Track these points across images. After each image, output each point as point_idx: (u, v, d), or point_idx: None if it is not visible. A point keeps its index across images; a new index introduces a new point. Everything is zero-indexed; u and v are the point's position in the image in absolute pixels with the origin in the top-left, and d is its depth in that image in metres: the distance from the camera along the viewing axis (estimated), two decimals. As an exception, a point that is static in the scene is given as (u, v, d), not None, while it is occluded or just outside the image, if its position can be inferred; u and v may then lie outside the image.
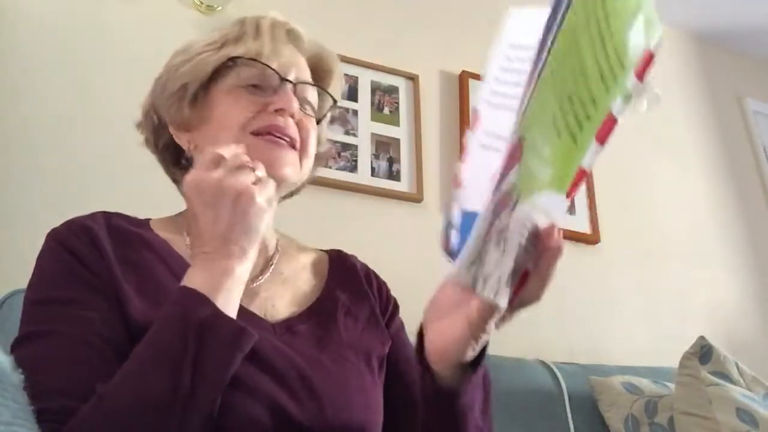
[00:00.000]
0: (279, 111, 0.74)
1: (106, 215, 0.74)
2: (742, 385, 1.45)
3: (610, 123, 0.49)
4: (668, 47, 2.58)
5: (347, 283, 0.83)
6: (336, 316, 0.77)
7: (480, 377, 0.64)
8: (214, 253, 0.61)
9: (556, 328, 1.80)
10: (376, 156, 1.83)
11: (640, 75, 0.48)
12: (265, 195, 0.63)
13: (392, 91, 1.94)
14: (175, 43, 0.83)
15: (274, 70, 0.77)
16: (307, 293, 0.79)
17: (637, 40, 0.47)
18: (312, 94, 0.82)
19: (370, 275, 0.87)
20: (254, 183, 0.63)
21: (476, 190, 0.55)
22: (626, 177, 2.18)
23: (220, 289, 0.59)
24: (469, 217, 0.55)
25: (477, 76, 2.00)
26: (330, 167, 1.72)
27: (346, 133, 1.81)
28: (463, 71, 2.02)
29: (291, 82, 0.77)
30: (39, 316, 0.64)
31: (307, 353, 0.69)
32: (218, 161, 0.63)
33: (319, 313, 0.76)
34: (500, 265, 0.50)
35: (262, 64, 0.76)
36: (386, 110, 1.91)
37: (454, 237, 0.56)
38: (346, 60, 1.79)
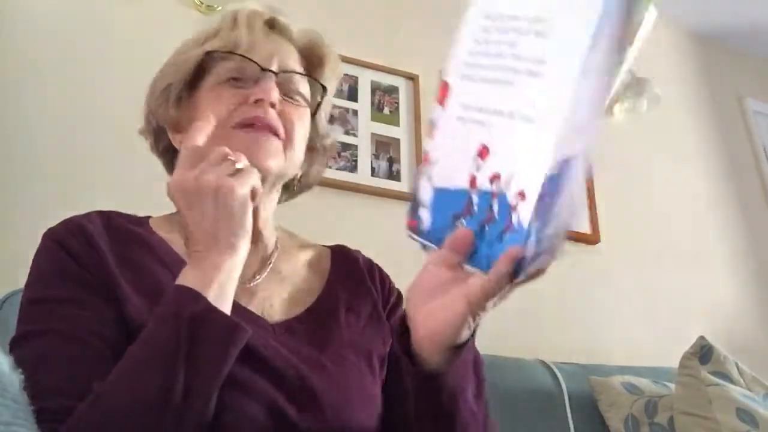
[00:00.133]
0: (258, 101, 0.73)
1: (103, 214, 0.74)
2: (742, 385, 1.45)
3: None
4: (669, 47, 2.58)
5: (349, 279, 0.81)
6: (337, 315, 0.76)
7: (470, 360, 0.62)
8: (205, 251, 0.61)
9: (556, 328, 1.81)
10: (376, 156, 1.83)
11: None
12: (246, 185, 0.63)
13: (392, 91, 1.94)
14: (175, 43, 0.83)
15: (251, 60, 0.75)
16: (307, 292, 0.78)
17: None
18: (302, 83, 0.80)
19: (373, 269, 0.85)
20: (233, 174, 0.62)
21: (452, 165, 0.53)
22: (626, 177, 2.18)
23: (211, 285, 0.59)
24: (442, 195, 0.54)
25: (477, 76, 2.00)
26: (330, 167, 1.72)
27: (346, 133, 1.81)
28: (463, 71, 2.02)
29: (272, 71, 0.76)
30: (35, 316, 0.64)
31: (307, 354, 0.69)
32: (196, 159, 0.63)
33: (319, 312, 0.75)
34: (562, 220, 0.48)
35: (239, 55, 0.75)
36: (386, 110, 1.91)
37: (425, 216, 0.54)
38: (346, 60, 1.79)
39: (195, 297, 0.58)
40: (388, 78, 1.95)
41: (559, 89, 0.48)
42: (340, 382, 0.68)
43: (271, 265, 0.78)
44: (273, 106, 0.73)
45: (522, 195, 0.48)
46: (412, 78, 1.97)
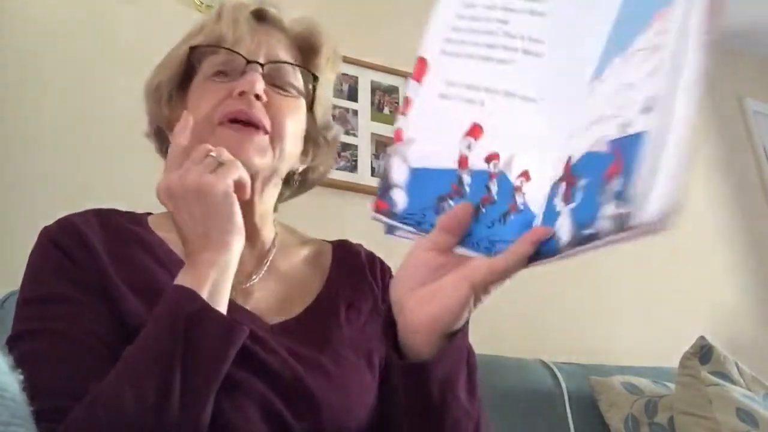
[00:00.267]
0: (242, 94, 0.70)
1: (99, 212, 0.73)
2: (742, 385, 1.45)
3: None
4: (668, 47, 2.58)
5: (351, 275, 0.79)
6: (337, 313, 0.74)
7: (464, 348, 0.57)
8: (198, 250, 0.61)
9: (556, 328, 1.81)
10: (376, 156, 1.83)
11: None
12: (226, 179, 0.62)
13: (392, 91, 1.95)
14: (174, 44, 0.83)
15: (234, 51, 0.73)
16: (306, 290, 0.76)
17: None
18: (293, 74, 0.77)
19: (374, 262, 0.82)
20: (214, 170, 0.62)
21: (434, 144, 0.51)
22: (626, 177, 2.17)
23: (205, 282, 0.59)
24: (422, 175, 0.51)
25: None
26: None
27: (346, 133, 1.81)
28: (463, 71, 2.02)
29: (257, 63, 0.73)
30: (31, 314, 0.64)
31: (305, 354, 0.67)
32: (181, 159, 0.63)
33: (318, 310, 0.74)
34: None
35: (224, 48, 0.73)
36: (386, 110, 1.91)
37: (399, 197, 0.51)
38: (346, 60, 1.79)
39: (190, 296, 0.58)
40: (388, 78, 1.95)
41: (568, 71, 0.46)
42: (339, 383, 0.67)
43: (268, 264, 0.76)
44: (259, 98, 0.71)
45: (526, 175, 0.47)
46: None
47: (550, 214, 0.45)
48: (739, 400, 1.38)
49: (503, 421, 1.35)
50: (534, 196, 0.47)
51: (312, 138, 0.82)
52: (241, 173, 0.64)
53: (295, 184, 0.83)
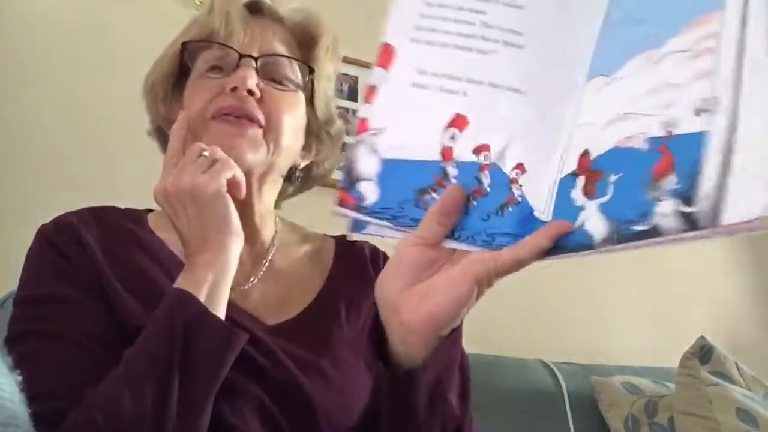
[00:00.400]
0: (234, 90, 0.68)
1: (96, 210, 0.72)
2: (742, 385, 1.45)
3: None
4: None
5: (353, 272, 0.77)
6: (337, 312, 0.72)
7: (453, 351, 0.54)
8: (196, 253, 0.61)
9: (556, 328, 1.80)
10: (376, 156, 1.83)
11: None
12: (218, 178, 0.61)
13: (392, 91, 1.95)
14: (174, 43, 0.83)
15: (226, 45, 0.71)
16: (306, 289, 0.74)
17: None
18: (290, 67, 0.75)
19: (377, 256, 0.80)
20: (207, 170, 0.61)
21: (409, 135, 0.49)
22: (626, 177, 2.18)
23: (203, 285, 0.58)
24: (396, 167, 0.49)
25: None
26: (330, 167, 1.72)
27: (346, 133, 1.81)
28: (463, 71, 2.02)
29: (251, 56, 0.71)
30: (27, 315, 0.64)
31: (303, 357, 0.66)
32: (175, 160, 0.63)
33: (318, 310, 0.72)
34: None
35: (215, 43, 0.72)
36: (386, 110, 1.92)
37: (369, 190, 0.49)
38: (346, 60, 1.78)
39: (188, 300, 0.57)
40: (388, 78, 1.95)
41: (550, 64, 0.46)
42: (338, 387, 0.66)
43: (267, 263, 0.75)
44: (252, 93, 0.69)
45: (521, 167, 0.46)
46: (412, 78, 1.97)
47: (567, 208, 0.44)
48: (739, 400, 1.38)
49: (503, 421, 1.35)
50: (531, 189, 0.46)
51: (314, 132, 0.79)
52: (235, 171, 0.63)
53: (297, 180, 0.81)
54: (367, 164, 0.49)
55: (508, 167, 0.47)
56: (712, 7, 0.41)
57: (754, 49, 0.39)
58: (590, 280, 1.93)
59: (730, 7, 0.40)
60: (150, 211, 0.77)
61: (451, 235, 0.48)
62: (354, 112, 1.86)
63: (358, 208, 0.49)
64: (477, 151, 0.47)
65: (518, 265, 0.45)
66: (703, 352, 1.46)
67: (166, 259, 0.70)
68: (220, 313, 0.60)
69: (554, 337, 1.78)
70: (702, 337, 1.50)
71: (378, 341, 0.52)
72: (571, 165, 0.45)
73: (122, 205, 0.78)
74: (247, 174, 0.67)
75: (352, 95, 1.88)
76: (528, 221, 0.46)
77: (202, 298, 0.58)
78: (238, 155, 0.66)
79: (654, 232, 0.40)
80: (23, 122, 1.44)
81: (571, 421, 1.46)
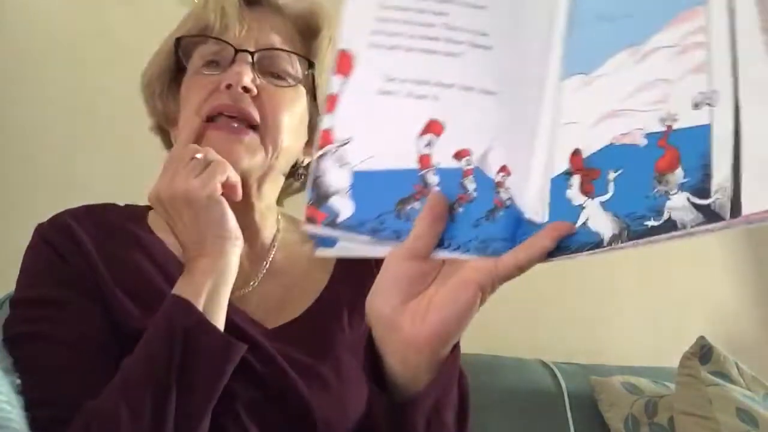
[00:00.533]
0: (229, 87, 0.66)
1: (93, 209, 0.71)
2: (742, 385, 1.45)
3: None
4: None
5: (356, 273, 0.73)
6: (339, 315, 0.71)
7: (452, 371, 0.52)
8: (195, 257, 0.60)
9: (556, 328, 1.80)
10: (376, 156, 1.82)
11: None
12: (211, 181, 0.60)
13: (392, 91, 1.94)
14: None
15: (221, 40, 0.69)
16: (308, 289, 0.73)
17: None
18: (289, 61, 0.71)
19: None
20: (199, 173, 0.60)
21: (380, 144, 0.47)
22: (626, 177, 2.17)
23: (202, 292, 0.58)
24: (371, 178, 0.46)
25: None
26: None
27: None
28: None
29: (247, 51, 0.68)
30: (24, 316, 0.63)
31: (303, 362, 0.65)
32: (171, 163, 0.62)
33: (319, 313, 0.71)
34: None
35: (210, 37, 0.70)
36: (386, 110, 1.91)
37: (343, 204, 0.46)
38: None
39: (187, 308, 0.56)
40: (388, 78, 1.95)
41: (517, 64, 0.46)
42: (336, 394, 0.65)
43: (267, 264, 0.73)
44: (247, 90, 0.66)
45: (505, 170, 0.45)
46: (412, 78, 1.97)
47: (564, 208, 0.44)
48: (739, 400, 1.38)
49: (503, 421, 1.36)
50: (518, 191, 0.45)
51: (317, 127, 0.78)
52: (230, 173, 0.62)
53: (301, 177, 0.79)
54: (337, 177, 0.46)
55: (492, 171, 0.46)
56: (696, 1, 0.41)
57: (746, 39, 0.39)
58: (590, 280, 1.93)
59: (712, 1, 0.41)
60: (151, 208, 0.76)
61: (441, 244, 0.46)
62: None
63: (333, 224, 0.46)
64: (458, 156, 0.46)
65: (521, 269, 0.44)
66: (703, 352, 1.46)
67: (165, 259, 0.69)
68: (220, 319, 0.59)
69: (554, 337, 1.78)
70: (702, 337, 1.49)
71: (372, 360, 0.49)
72: (562, 164, 0.45)
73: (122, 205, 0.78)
74: (244, 176, 0.66)
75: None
76: (520, 224, 0.45)
77: (200, 306, 0.57)
78: (234, 162, 0.65)
79: (669, 226, 0.40)
80: (23, 122, 1.44)
81: (571, 421, 1.46)
